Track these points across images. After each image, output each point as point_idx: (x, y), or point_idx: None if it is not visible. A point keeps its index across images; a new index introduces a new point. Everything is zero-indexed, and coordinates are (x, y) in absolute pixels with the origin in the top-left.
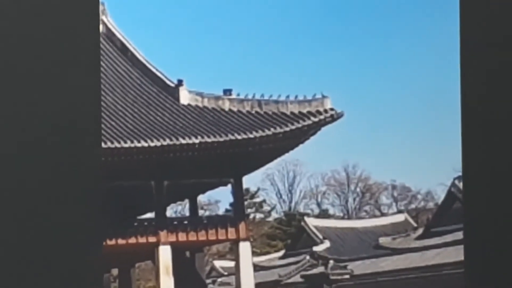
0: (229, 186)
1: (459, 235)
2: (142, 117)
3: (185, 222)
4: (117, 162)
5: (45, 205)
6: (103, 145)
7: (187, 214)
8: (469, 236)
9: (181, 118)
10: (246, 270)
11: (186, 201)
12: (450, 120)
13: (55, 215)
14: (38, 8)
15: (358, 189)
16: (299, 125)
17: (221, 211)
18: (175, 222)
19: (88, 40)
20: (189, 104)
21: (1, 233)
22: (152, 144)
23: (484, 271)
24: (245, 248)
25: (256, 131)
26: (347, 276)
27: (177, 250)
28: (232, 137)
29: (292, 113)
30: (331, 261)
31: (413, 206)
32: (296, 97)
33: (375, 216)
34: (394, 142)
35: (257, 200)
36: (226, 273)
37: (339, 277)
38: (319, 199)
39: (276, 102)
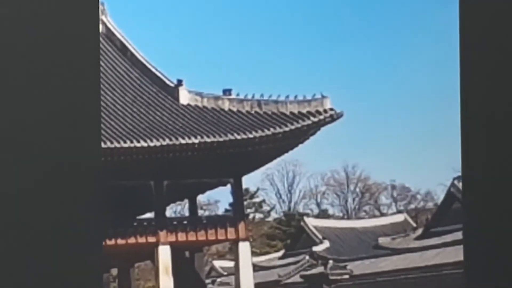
0: (229, 186)
1: (459, 235)
2: (141, 117)
3: (185, 222)
4: (117, 162)
5: (45, 205)
6: (102, 145)
7: (187, 214)
8: (468, 236)
9: (180, 118)
10: (245, 270)
11: (186, 201)
12: (450, 120)
13: (54, 215)
14: (38, 9)
15: (357, 189)
16: (299, 125)
17: (220, 211)
18: (175, 222)
19: (88, 40)
20: (188, 104)
21: (1, 233)
22: (151, 144)
23: (484, 271)
24: (244, 248)
25: (256, 131)
26: (346, 276)
27: (177, 250)
28: (232, 137)
29: (291, 113)
30: (331, 261)
31: (412, 206)
32: (295, 97)
33: (374, 216)
34: (393, 142)
35: (256, 200)
36: (225, 273)
37: (338, 277)
38: (318, 199)
39: (276, 102)
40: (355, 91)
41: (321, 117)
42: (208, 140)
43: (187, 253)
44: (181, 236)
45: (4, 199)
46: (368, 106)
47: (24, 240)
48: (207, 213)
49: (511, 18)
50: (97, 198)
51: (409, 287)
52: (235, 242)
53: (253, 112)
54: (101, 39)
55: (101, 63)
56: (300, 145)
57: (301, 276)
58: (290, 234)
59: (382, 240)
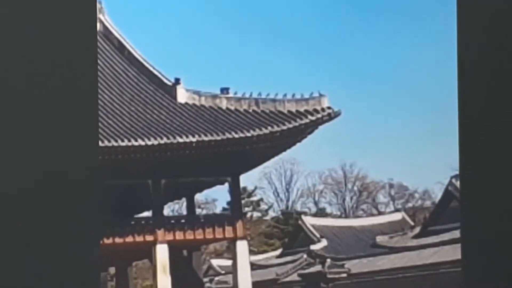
0: (226, 184)
1: (456, 233)
2: (139, 116)
3: (183, 220)
4: (115, 160)
5: (43, 204)
6: (100, 143)
7: (185, 212)
8: (466, 235)
9: (178, 116)
10: (243, 268)
11: (184, 199)
12: (448, 119)
13: (52, 214)
14: (35, 7)
15: (355, 188)
16: (296, 124)
17: (218, 210)
18: (173, 221)
19: (86, 38)
20: (186, 103)
21: (0, 232)
22: (149, 143)
23: (482, 269)
24: (242, 246)
25: (254, 130)
26: (344, 275)
27: (174, 248)
28: (230, 136)
29: (289, 111)
30: (328, 260)
31: (410, 204)
32: (293, 95)
33: (372, 215)
34: (391, 141)
35: (254, 198)
36: (223, 272)
37: (336, 276)
38: (316, 198)
39: (274, 100)
40: (353, 90)
41: (319, 115)
42: (205, 138)
43: (185, 252)
44: (179, 235)
45: (3, 198)
46: (366, 105)
47: (22, 240)
48: (205, 211)
49: (510, 18)
50: (94, 197)
51: (407, 286)
52: (232, 241)
53: (250, 110)
54: (98, 37)
55: (99, 61)
56: (298, 144)
57: (299, 275)
58: (288, 232)
59: (380, 239)
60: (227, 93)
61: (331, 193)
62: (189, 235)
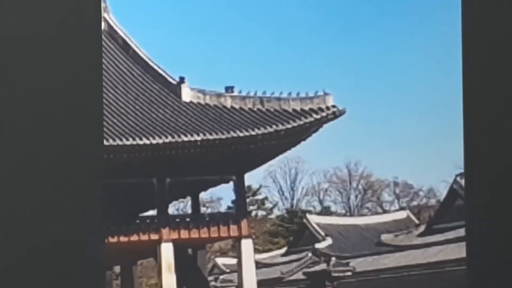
0: (231, 183)
1: (461, 232)
2: (144, 115)
3: (187, 219)
4: (119, 159)
5: (48, 203)
6: (105, 142)
7: (189, 211)
8: (471, 233)
9: (183, 115)
10: (248, 267)
11: (188, 198)
12: (452, 117)
13: (57, 213)
14: (40, 6)
15: (360, 186)
16: (301, 122)
17: (223, 209)
18: (177, 220)
19: (90, 37)
20: (191, 102)
21: (4, 231)
22: (154, 142)
23: (487, 268)
24: (247, 245)
25: (258, 128)
26: (349, 273)
27: (179, 247)
28: (234, 134)
29: (294, 110)
30: (333, 258)
31: (415, 203)
32: (298, 94)
33: (377, 213)
34: (396, 139)
35: (259, 197)
36: (228, 270)
37: (341, 274)
38: (321, 196)
39: (278, 99)
40: (358, 88)
41: (324, 114)
42: (210, 137)
43: (189, 251)
44: (184, 234)
45: (6, 197)
46: (371, 103)
47: (26, 238)
48: (209, 210)
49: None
50: (99, 196)
51: (412, 284)
52: (237, 239)
53: (255, 109)
54: (103, 36)
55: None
56: (303, 142)
57: (304, 273)
58: (293, 231)
59: (384, 237)
60: (232, 91)
61: (336, 192)
62: (194, 234)
